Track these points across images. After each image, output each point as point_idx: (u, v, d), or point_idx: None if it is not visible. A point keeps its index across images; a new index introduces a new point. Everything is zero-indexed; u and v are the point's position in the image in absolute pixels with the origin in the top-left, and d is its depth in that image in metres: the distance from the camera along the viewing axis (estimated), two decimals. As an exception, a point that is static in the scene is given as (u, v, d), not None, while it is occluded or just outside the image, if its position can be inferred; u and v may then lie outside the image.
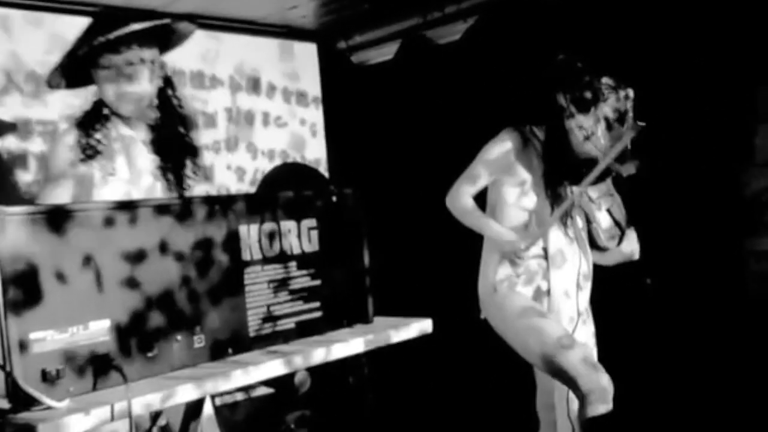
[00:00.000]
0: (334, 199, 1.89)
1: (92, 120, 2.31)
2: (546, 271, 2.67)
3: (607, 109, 2.55)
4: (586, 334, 2.74)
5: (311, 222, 1.84)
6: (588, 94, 2.56)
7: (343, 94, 4.42)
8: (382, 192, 3.28)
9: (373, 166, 4.17)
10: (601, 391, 2.50)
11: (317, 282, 1.85)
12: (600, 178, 2.66)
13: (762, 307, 3.36)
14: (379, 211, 2.76)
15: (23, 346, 1.38)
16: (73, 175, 2.24)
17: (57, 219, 1.44)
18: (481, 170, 2.66)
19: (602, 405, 2.49)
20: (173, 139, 2.40)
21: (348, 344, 1.82)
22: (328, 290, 1.87)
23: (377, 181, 3.86)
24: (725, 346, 3.32)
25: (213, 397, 2.70)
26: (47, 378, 1.40)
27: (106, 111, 2.32)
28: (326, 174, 4.40)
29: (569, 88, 2.56)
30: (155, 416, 1.84)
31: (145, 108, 2.33)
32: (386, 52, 4.29)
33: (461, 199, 2.65)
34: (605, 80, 2.58)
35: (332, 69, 4.44)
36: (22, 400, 1.37)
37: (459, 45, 3.95)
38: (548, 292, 2.67)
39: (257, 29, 4.11)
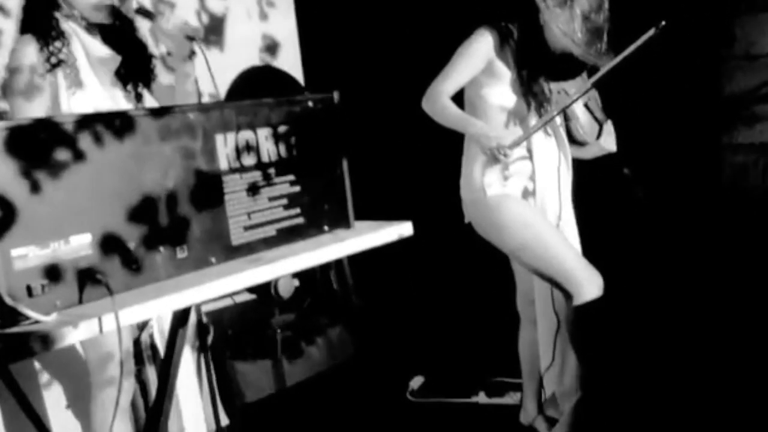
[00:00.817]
0: (311, 104, 1.87)
1: (45, 23, 2.25)
2: (532, 172, 2.68)
3: (583, 1, 2.50)
4: (570, 229, 2.79)
5: (288, 128, 1.83)
6: None
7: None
8: (359, 95, 3.24)
9: (349, 68, 4.10)
10: (589, 287, 2.56)
11: (297, 188, 1.85)
12: (576, 72, 2.65)
13: (736, 198, 3.42)
14: (358, 114, 2.74)
15: (6, 262, 1.38)
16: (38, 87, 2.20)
17: (30, 133, 1.42)
18: (459, 68, 2.61)
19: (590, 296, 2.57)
20: (132, 44, 2.37)
21: (329, 249, 1.83)
22: (308, 196, 1.87)
23: (354, 83, 3.81)
24: (702, 234, 3.39)
25: (199, 305, 2.75)
26: (33, 293, 1.41)
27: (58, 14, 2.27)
28: (301, 78, 4.33)
29: None
30: (142, 326, 1.87)
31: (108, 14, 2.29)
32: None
33: (439, 98, 2.59)
34: None
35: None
36: (8, 315, 1.38)
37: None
38: (534, 191, 2.69)
39: None
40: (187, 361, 2.67)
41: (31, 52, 2.22)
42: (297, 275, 1.80)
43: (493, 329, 3.42)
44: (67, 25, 2.29)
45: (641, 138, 3.29)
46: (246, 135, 1.75)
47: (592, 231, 2.87)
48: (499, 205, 2.64)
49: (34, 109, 2.21)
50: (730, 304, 3.28)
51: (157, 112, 1.64)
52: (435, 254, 3.88)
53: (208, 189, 1.68)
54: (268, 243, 1.80)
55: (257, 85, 3.05)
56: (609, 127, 2.77)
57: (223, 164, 1.71)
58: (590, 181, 2.91)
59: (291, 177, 1.84)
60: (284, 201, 1.83)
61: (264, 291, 1.77)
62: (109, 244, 1.52)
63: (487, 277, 3.40)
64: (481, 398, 3.30)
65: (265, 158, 1.78)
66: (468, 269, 3.79)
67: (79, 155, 1.48)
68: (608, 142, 2.78)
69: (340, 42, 4.21)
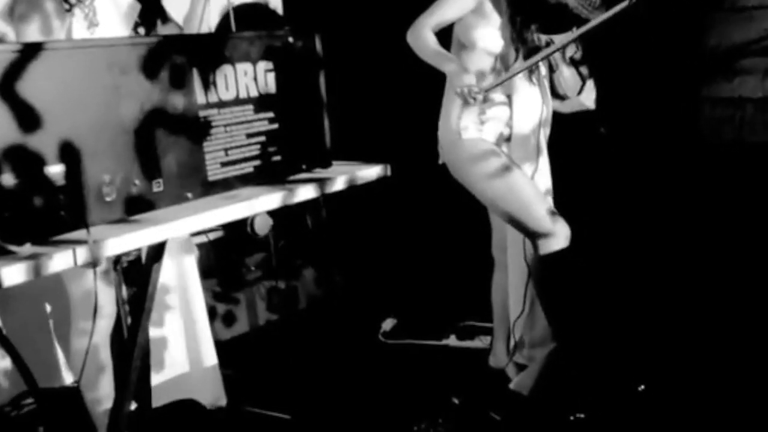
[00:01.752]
0: (291, 40, 1.84)
1: None
2: (509, 118, 2.67)
3: None
4: (544, 180, 2.80)
5: (268, 64, 1.80)
6: None
7: None
8: (340, 32, 3.19)
9: (329, 3, 4.03)
10: (558, 238, 2.59)
11: (275, 126, 1.83)
12: (568, 25, 2.61)
13: (716, 152, 3.44)
14: (337, 52, 2.70)
15: (-22, 192, 1.36)
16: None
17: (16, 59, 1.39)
18: (448, 5, 2.56)
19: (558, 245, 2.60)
20: None
21: (306, 188, 1.83)
22: (286, 134, 1.85)
23: (335, 19, 3.75)
24: (680, 188, 3.42)
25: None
26: (6, 224, 1.40)
27: None
28: (281, 12, 4.25)
29: None
30: (116, 260, 1.86)
31: None
32: None
33: (422, 32, 2.55)
34: None
35: None
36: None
37: None
38: (509, 137, 2.69)
39: None
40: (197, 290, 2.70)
41: None
42: (272, 214, 1.79)
43: (466, 273, 3.46)
44: None
45: (620, 90, 3.29)
46: (225, 69, 1.72)
47: (566, 185, 2.88)
48: (472, 147, 2.64)
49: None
50: (705, 259, 3.33)
51: (135, 43, 1.61)
52: (411, 196, 3.88)
53: (184, 123, 1.66)
54: (245, 180, 1.79)
55: (238, 19, 2.99)
56: (591, 84, 2.77)
57: (200, 98, 1.68)
58: (566, 135, 2.91)
59: (270, 114, 1.82)
60: (262, 138, 1.81)
61: (239, 229, 1.76)
62: (84, 176, 1.50)
63: (463, 220, 3.41)
64: (452, 341, 3.34)
65: (243, 94, 1.76)
66: (444, 212, 3.80)
67: (57, 84, 1.45)
68: (588, 99, 2.78)
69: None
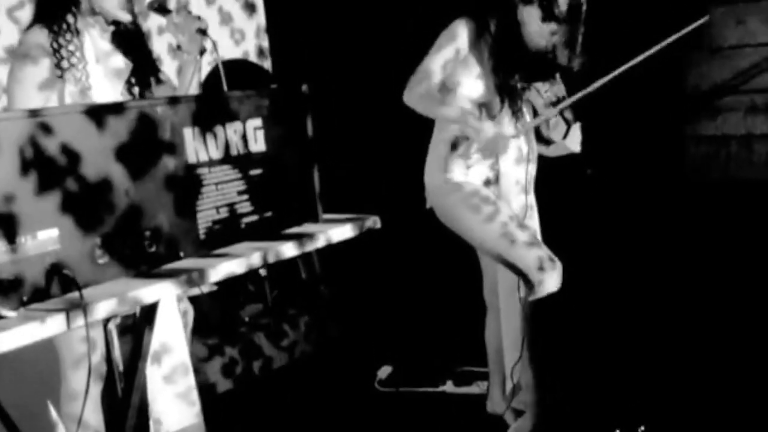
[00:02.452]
0: (280, 97, 1.87)
1: (61, 15, 2.20)
2: (495, 162, 2.70)
3: (561, 3, 2.52)
4: (533, 222, 2.82)
5: (257, 122, 1.83)
6: None
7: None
8: (325, 86, 3.23)
9: (316, 59, 4.09)
10: (550, 278, 2.60)
11: (265, 182, 1.85)
12: (550, 74, 2.67)
13: (702, 190, 3.48)
14: (324, 106, 2.74)
15: (-28, 258, 1.37)
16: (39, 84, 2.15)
17: (8, 127, 1.41)
18: (439, 59, 2.59)
19: (550, 288, 2.60)
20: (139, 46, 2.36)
21: (298, 243, 1.84)
22: (276, 190, 1.87)
23: (321, 74, 3.80)
24: (668, 227, 3.45)
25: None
26: (0, 288, 1.40)
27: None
28: (269, 67, 4.31)
29: None
30: (106, 321, 1.86)
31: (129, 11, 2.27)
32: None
33: (425, 91, 2.56)
34: None
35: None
36: (-26, 311, 1.37)
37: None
38: (497, 180, 2.72)
39: None
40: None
41: (42, 42, 2.16)
42: (266, 264, 1.80)
43: (459, 318, 3.46)
44: (82, 23, 2.25)
45: (605, 131, 3.33)
46: (215, 129, 1.75)
47: (554, 226, 2.90)
48: (459, 191, 2.66)
49: (37, 101, 2.15)
50: (692, 295, 3.34)
51: (126, 106, 1.63)
52: (402, 243, 3.90)
53: (176, 182, 1.68)
54: (237, 236, 1.80)
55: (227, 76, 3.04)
56: (576, 128, 2.81)
57: (191, 158, 1.70)
58: (553, 177, 2.95)
59: (259, 171, 1.84)
60: (253, 195, 1.83)
61: (233, 281, 1.77)
62: (77, 238, 1.51)
63: (454, 266, 3.42)
64: (449, 387, 3.33)
65: (233, 152, 1.78)
66: (434, 258, 3.81)
67: (48, 149, 1.47)
68: (573, 143, 2.81)
69: (309, 32, 4.19)
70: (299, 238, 1.86)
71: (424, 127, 2.70)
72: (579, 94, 2.63)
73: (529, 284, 2.62)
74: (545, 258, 2.61)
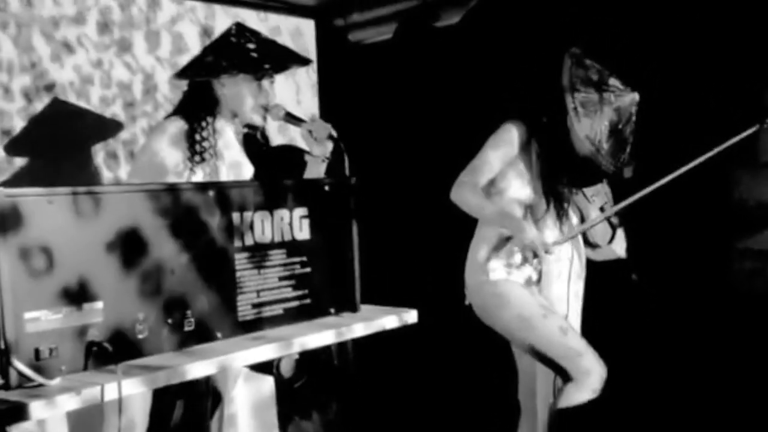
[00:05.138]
0: (327, 188, 1.92)
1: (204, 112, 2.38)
2: (538, 263, 2.69)
3: (611, 111, 2.56)
4: (574, 323, 2.79)
5: (303, 210, 1.87)
6: (595, 96, 2.56)
7: (339, 72, 4.41)
8: (373, 177, 3.30)
9: (365, 149, 4.17)
10: (594, 376, 2.55)
11: (306, 270, 1.88)
12: (597, 179, 2.70)
13: (746, 304, 3.41)
14: (370, 197, 2.79)
15: (18, 325, 1.41)
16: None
17: (60, 202, 1.47)
18: (490, 161, 2.63)
19: (588, 392, 2.54)
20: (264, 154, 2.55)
21: (334, 332, 1.86)
22: (317, 278, 1.90)
23: (369, 166, 3.87)
24: (712, 341, 3.37)
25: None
26: (40, 357, 1.44)
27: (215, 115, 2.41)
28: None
29: (577, 86, 2.56)
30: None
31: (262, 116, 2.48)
32: (384, 32, 4.28)
33: (473, 190, 2.59)
34: (613, 81, 2.59)
35: (329, 46, 4.43)
36: (15, 377, 1.40)
37: (458, 28, 3.95)
38: (539, 281, 2.71)
39: (255, 2, 4.07)
40: None
41: (179, 132, 2.34)
42: (299, 355, 1.81)
43: (492, 418, 3.39)
44: (219, 124, 2.41)
45: (652, 241, 3.32)
46: (262, 215, 1.79)
47: (598, 331, 2.87)
48: (501, 289, 2.65)
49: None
50: (736, 410, 3.24)
51: (177, 189, 1.69)
52: (438, 338, 3.86)
53: (221, 264, 1.72)
54: (274, 321, 1.82)
55: (278, 163, 3.15)
56: (621, 233, 2.81)
57: (237, 242, 1.75)
58: (598, 283, 2.93)
59: (302, 258, 1.87)
60: (293, 281, 1.86)
61: (265, 367, 1.78)
62: (120, 312, 1.55)
63: (488, 364, 3.38)
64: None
65: (278, 238, 1.82)
66: (469, 356, 3.77)
67: (100, 224, 1.52)
68: (619, 247, 2.81)
69: (359, 119, 4.30)
70: (337, 327, 1.88)
71: (467, 224, 2.72)
72: (626, 201, 2.63)
73: (567, 377, 2.56)
74: (590, 352, 2.57)
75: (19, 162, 3.01)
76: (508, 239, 2.63)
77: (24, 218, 1.41)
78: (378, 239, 3.24)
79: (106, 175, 3.28)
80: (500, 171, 2.66)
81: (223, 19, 3.88)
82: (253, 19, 3.99)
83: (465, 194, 2.59)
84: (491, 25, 3.78)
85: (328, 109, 4.40)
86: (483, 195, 2.61)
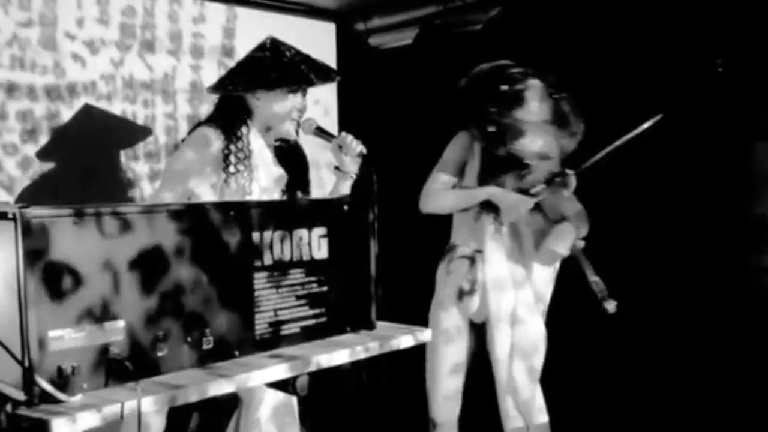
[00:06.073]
0: (346, 208, 1.94)
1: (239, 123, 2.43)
2: (470, 268, 2.83)
3: (539, 108, 2.71)
4: (529, 331, 2.83)
5: (322, 230, 1.89)
6: (510, 99, 2.74)
7: (358, 76, 4.41)
8: (389, 185, 3.31)
9: (384, 154, 4.16)
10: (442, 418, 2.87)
11: (324, 288, 1.90)
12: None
13: (761, 321, 3.40)
14: (387, 217, 2.82)
15: (42, 343, 1.43)
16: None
17: (81, 220, 1.49)
18: (447, 164, 2.92)
19: None
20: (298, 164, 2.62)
21: (350, 350, 1.87)
22: (334, 297, 1.92)
23: (386, 172, 3.87)
24: (725, 359, 3.36)
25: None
26: (62, 375, 1.46)
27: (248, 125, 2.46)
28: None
29: (487, 97, 2.76)
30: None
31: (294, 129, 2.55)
32: (405, 37, 4.28)
33: (439, 189, 2.88)
34: (532, 81, 2.75)
35: (349, 50, 4.43)
36: (37, 394, 1.43)
37: (479, 35, 3.95)
38: (472, 291, 2.83)
39: (276, 5, 4.08)
40: None
41: (213, 142, 2.37)
42: (313, 374, 1.83)
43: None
44: (253, 135, 2.44)
45: (664, 258, 3.31)
46: (281, 234, 1.81)
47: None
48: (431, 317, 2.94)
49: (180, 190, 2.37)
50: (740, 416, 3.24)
51: (197, 208, 1.71)
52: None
53: (239, 284, 1.74)
54: (291, 339, 1.85)
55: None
56: (564, 228, 2.77)
57: (257, 261, 1.77)
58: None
59: (320, 277, 1.89)
60: (311, 300, 1.88)
61: (281, 385, 1.80)
62: (140, 330, 1.57)
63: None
64: None
65: (296, 257, 1.84)
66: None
67: (122, 244, 1.55)
68: (558, 245, 2.77)
69: (378, 122, 4.29)
70: (352, 345, 1.89)
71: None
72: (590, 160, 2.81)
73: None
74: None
75: (45, 168, 3.05)
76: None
77: (49, 238, 1.44)
78: (396, 259, 3.25)
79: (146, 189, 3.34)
80: (459, 165, 2.91)
81: (245, 23, 3.91)
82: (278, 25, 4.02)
83: (432, 198, 2.87)
84: (513, 33, 3.77)
85: (346, 113, 4.41)
86: (450, 188, 2.88)
